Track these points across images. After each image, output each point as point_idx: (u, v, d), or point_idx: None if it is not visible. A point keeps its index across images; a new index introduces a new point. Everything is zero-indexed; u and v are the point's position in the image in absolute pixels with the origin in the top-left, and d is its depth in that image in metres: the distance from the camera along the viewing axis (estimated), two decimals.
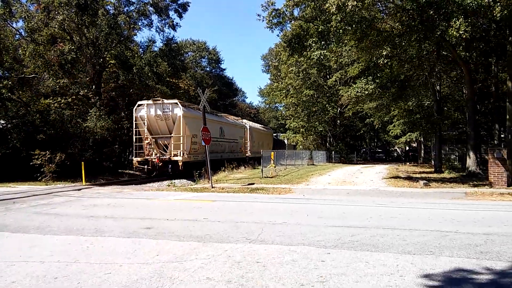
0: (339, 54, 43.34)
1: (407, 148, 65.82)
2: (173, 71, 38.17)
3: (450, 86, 30.07)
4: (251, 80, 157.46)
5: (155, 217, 9.48)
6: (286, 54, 30.11)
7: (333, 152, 51.13)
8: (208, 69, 74.72)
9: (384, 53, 16.90)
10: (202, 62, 74.66)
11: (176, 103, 24.12)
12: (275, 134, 56.05)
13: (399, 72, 21.55)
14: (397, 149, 73.93)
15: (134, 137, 25.20)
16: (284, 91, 52.28)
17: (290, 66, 48.56)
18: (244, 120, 41.32)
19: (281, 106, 66.13)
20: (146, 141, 24.54)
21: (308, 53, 23.23)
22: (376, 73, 18.49)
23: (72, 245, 6.78)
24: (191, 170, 23.13)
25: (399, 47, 17.80)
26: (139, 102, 25.08)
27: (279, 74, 57.29)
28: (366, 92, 18.52)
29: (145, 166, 24.50)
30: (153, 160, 23.85)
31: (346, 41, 21.52)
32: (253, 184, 18.39)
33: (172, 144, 23.89)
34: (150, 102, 24.60)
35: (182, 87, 42.49)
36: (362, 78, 18.75)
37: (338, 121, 53.46)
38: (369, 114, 40.69)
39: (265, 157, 25.15)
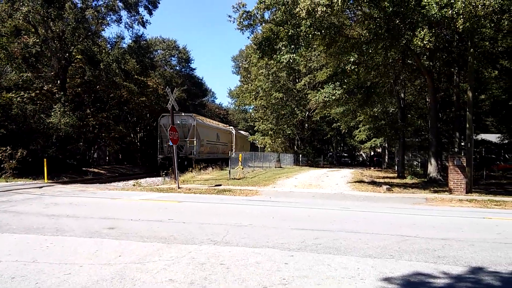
0: (309, 58, 43.80)
1: (372, 153, 67.11)
2: (142, 69, 37.54)
3: (414, 94, 30.94)
4: (221, 81, 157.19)
5: (119, 217, 9.32)
6: (256, 57, 30.09)
7: (300, 155, 51.63)
8: (177, 68, 73.86)
9: (352, 59, 17.20)
10: (172, 61, 73.75)
11: (191, 116, 33.07)
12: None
13: (365, 79, 21.97)
14: (363, 154, 75.27)
15: (158, 140, 33.24)
16: (253, 93, 52.27)
17: (260, 68, 48.61)
18: (231, 127, 49.15)
19: (250, 108, 66.15)
20: (169, 143, 30.07)
21: (278, 56, 23.32)
22: (344, 78, 18.77)
23: (31, 244, 6.58)
24: (199, 164, 29.55)
25: (366, 54, 18.15)
26: (163, 114, 33.02)
27: (249, 76, 57.27)
28: (334, 97, 18.77)
29: (166, 162, 30.74)
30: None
31: (315, 46, 21.79)
32: (220, 185, 18.36)
33: (188, 146, 31.93)
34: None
35: (151, 85, 41.86)
36: (330, 83, 18.99)
37: (306, 125, 53.99)
38: (336, 119, 41.25)
39: (233, 158, 25.15)
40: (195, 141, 31.82)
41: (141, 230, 7.78)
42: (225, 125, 49.54)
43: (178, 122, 31.51)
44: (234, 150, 44.22)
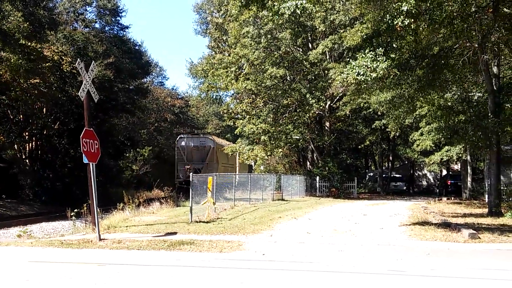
0: (330, 7, 43.97)
1: (444, 172, 67.49)
2: (34, 28, 37.41)
3: None
4: (176, 48, 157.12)
5: None
6: (238, 4, 29.96)
7: (317, 178, 51.59)
8: (97, 25, 73.59)
9: (405, 7, 17.23)
10: (87, 14, 73.54)
11: (210, 137, 55.01)
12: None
13: (430, 42, 22.03)
14: (428, 175, 75.64)
15: (176, 163, 53.51)
16: (233, 69, 52.23)
17: (244, 25, 48.68)
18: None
19: (227, 96, 66.24)
20: (187, 167, 50.10)
21: (276, 3, 23.35)
22: (392, 42, 18.84)
23: None
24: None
25: None
26: (181, 135, 55.68)
27: (225, 38, 57.43)
28: (374, 75, 18.74)
29: (184, 185, 45.70)
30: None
31: None
32: (175, 233, 18.30)
33: (208, 170, 46.60)
34: (190, 136, 55.92)
35: (49, 56, 41.51)
36: (367, 51, 19.02)
37: (327, 124, 54.00)
38: (379, 113, 41.41)
39: (198, 184, 24.94)
40: (214, 165, 50.37)
41: None
42: (227, 142, 69.32)
43: (197, 144, 52.34)
44: (237, 172, 61.10)
